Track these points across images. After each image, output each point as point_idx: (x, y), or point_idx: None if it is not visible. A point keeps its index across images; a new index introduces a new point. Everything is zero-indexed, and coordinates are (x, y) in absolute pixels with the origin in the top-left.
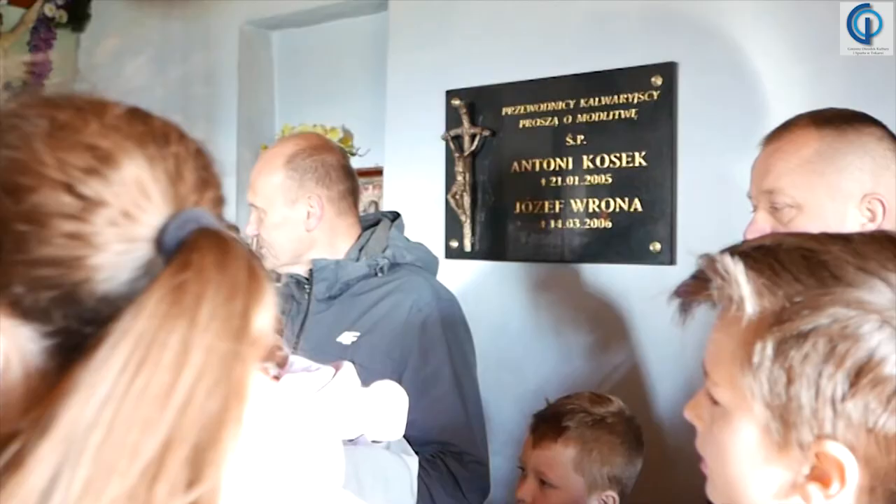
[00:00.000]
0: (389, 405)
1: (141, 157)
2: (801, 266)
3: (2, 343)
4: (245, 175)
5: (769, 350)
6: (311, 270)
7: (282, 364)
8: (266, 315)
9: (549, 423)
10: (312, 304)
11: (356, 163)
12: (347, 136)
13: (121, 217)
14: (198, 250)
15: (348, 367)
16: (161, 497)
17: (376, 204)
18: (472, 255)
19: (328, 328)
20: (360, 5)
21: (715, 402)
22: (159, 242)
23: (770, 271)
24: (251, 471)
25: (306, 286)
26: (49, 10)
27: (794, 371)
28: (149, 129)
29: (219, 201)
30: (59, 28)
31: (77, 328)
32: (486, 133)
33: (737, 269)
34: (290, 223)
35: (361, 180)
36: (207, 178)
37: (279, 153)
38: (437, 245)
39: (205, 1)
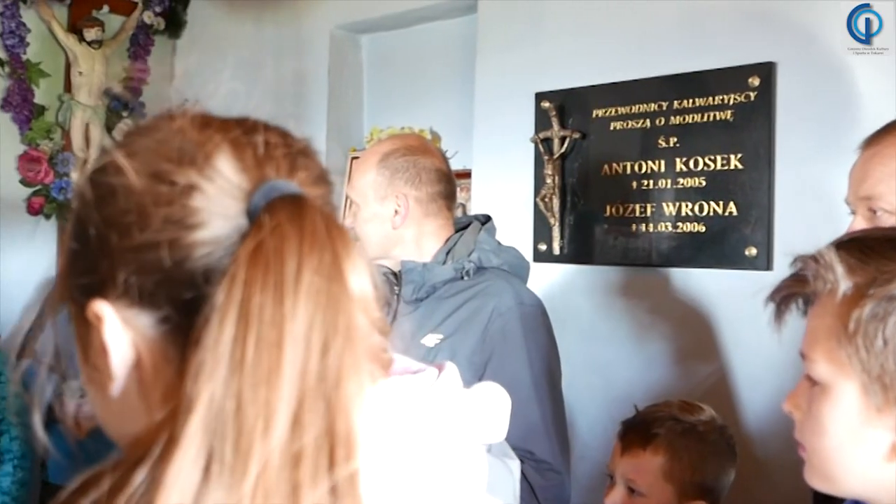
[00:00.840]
0: (492, 407)
1: (226, 143)
2: (887, 246)
3: (128, 335)
4: (334, 177)
5: (864, 315)
6: (399, 271)
7: (387, 366)
8: (360, 273)
9: (637, 431)
10: (400, 306)
11: None
12: (435, 138)
13: (211, 198)
14: (271, 212)
15: (451, 369)
16: (308, 448)
17: (464, 206)
18: (560, 259)
19: (413, 329)
20: (450, 8)
21: (814, 384)
22: (247, 215)
23: (860, 252)
24: (400, 476)
25: (395, 287)
26: (147, 17)
27: (889, 331)
28: (235, 122)
29: (315, 181)
30: (157, 35)
31: (185, 309)
32: (576, 135)
33: (830, 253)
34: (379, 219)
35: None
36: (301, 162)
37: (376, 151)
38: (525, 248)
39: (296, 6)
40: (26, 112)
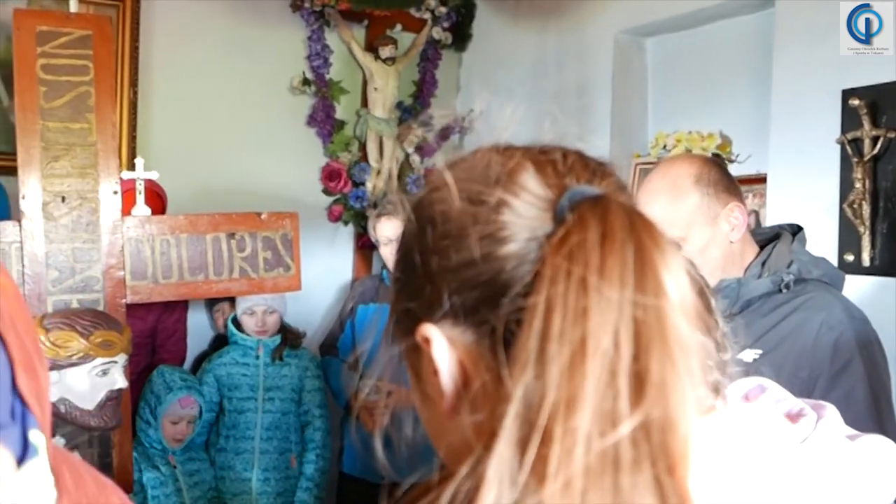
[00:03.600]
0: (880, 466)
1: (528, 162)
2: None
3: (454, 353)
4: None
5: None
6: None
7: (717, 390)
8: (676, 274)
9: None
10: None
11: (735, 170)
12: (725, 142)
13: (518, 211)
14: (577, 211)
15: (832, 414)
16: (621, 438)
17: (757, 213)
18: (870, 271)
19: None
20: (743, 4)
21: None
22: (554, 219)
23: None
24: None
25: None
26: (436, 33)
27: None
28: (531, 145)
29: (618, 189)
30: (444, 49)
31: (504, 318)
32: (892, 135)
33: None
34: (716, 241)
35: (741, 188)
36: (601, 173)
37: (682, 175)
38: (827, 258)
39: (579, 13)
40: (328, 127)
